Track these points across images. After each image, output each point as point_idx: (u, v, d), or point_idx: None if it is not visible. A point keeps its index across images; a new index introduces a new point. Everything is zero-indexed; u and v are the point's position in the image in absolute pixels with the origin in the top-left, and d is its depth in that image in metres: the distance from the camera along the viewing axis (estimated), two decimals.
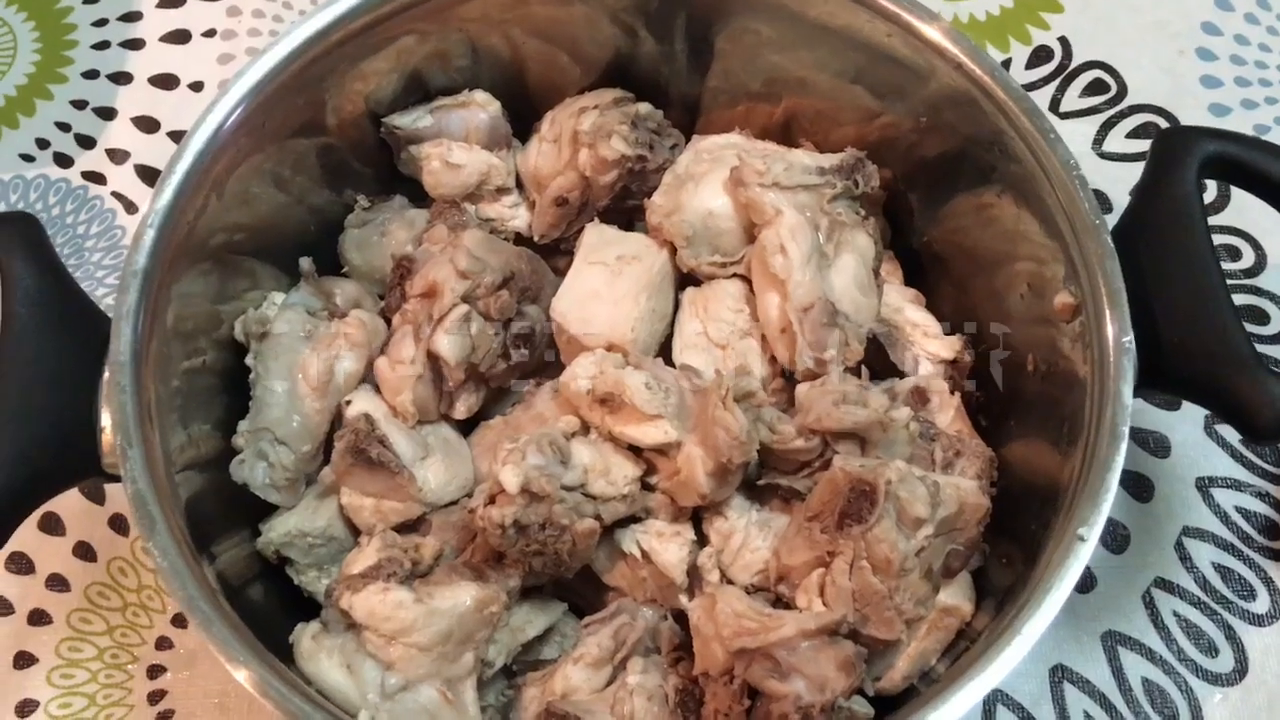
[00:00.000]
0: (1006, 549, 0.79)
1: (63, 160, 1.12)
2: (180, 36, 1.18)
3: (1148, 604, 0.93)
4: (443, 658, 0.73)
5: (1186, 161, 0.77)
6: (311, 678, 0.72)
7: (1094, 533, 0.67)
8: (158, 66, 1.17)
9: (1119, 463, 0.68)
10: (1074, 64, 1.16)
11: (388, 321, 0.86)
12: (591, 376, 0.79)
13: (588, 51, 0.94)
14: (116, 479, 0.74)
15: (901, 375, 0.87)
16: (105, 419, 0.72)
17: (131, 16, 1.19)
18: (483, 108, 0.91)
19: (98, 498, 0.96)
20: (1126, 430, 0.69)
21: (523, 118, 0.95)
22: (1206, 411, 0.98)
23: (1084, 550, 0.66)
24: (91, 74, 1.16)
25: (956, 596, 0.78)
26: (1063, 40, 1.18)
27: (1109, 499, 0.68)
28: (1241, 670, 0.90)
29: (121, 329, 0.72)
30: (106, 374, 0.73)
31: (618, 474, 0.77)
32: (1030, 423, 0.81)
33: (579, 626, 0.81)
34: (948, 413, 0.86)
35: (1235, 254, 1.06)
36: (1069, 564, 0.66)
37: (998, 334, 0.84)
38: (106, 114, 1.14)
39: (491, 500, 0.74)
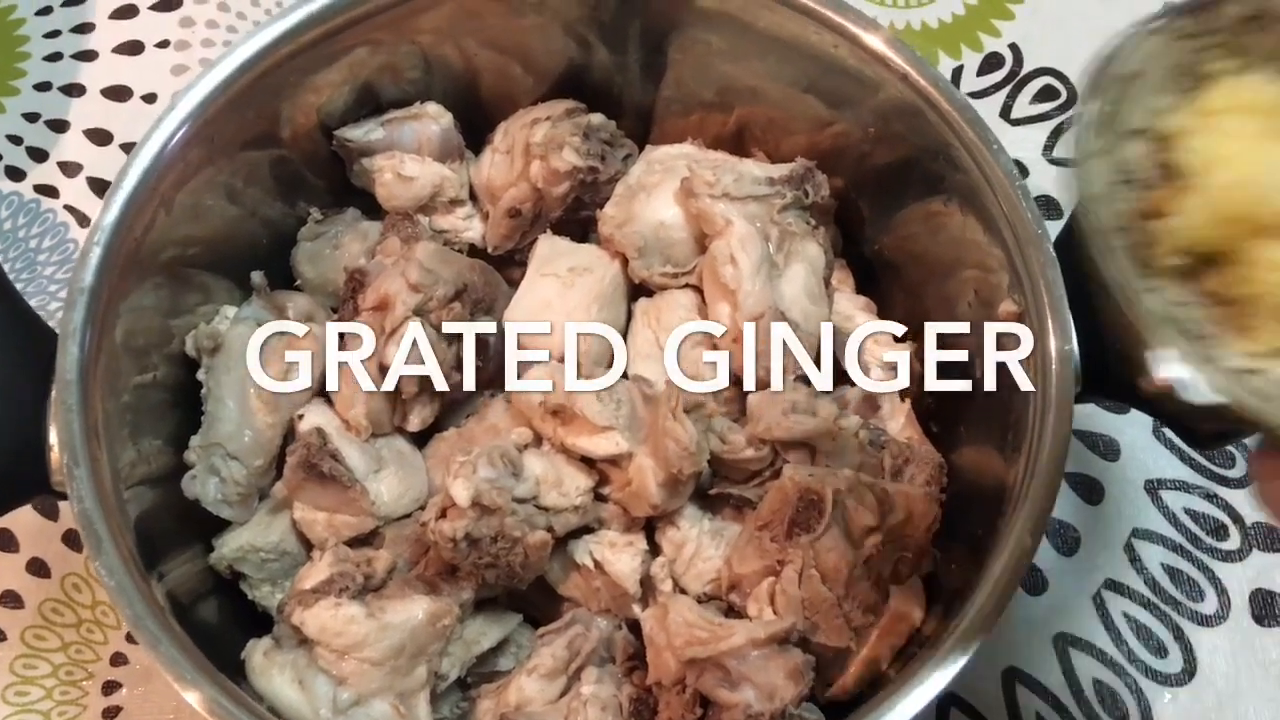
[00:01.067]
0: (956, 554, 0.80)
1: (14, 174, 1.11)
2: (133, 48, 1.18)
3: (1098, 605, 0.94)
4: (395, 672, 0.73)
5: None
6: (263, 694, 0.72)
7: (1037, 537, 0.68)
8: (111, 78, 1.16)
9: (1061, 466, 0.69)
10: (1024, 70, 1.18)
11: None
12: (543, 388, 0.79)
13: (541, 62, 0.94)
14: (65, 496, 0.74)
15: (852, 383, 0.88)
16: (53, 436, 0.72)
17: (84, 28, 1.18)
18: (435, 119, 0.91)
19: (51, 514, 0.96)
20: (1069, 435, 0.70)
21: (476, 129, 0.95)
22: None
23: (1029, 554, 0.67)
24: (44, 86, 1.16)
25: (907, 603, 0.79)
26: (1013, 47, 1.19)
27: (1052, 502, 0.69)
28: (1190, 671, 0.92)
29: (68, 347, 0.71)
30: (54, 392, 0.73)
31: (570, 485, 0.77)
32: (978, 429, 0.82)
33: (534, 637, 0.81)
34: (898, 419, 0.87)
35: None
36: (1013, 567, 0.67)
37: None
38: (59, 126, 1.14)
39: (443, 514, 0.74)
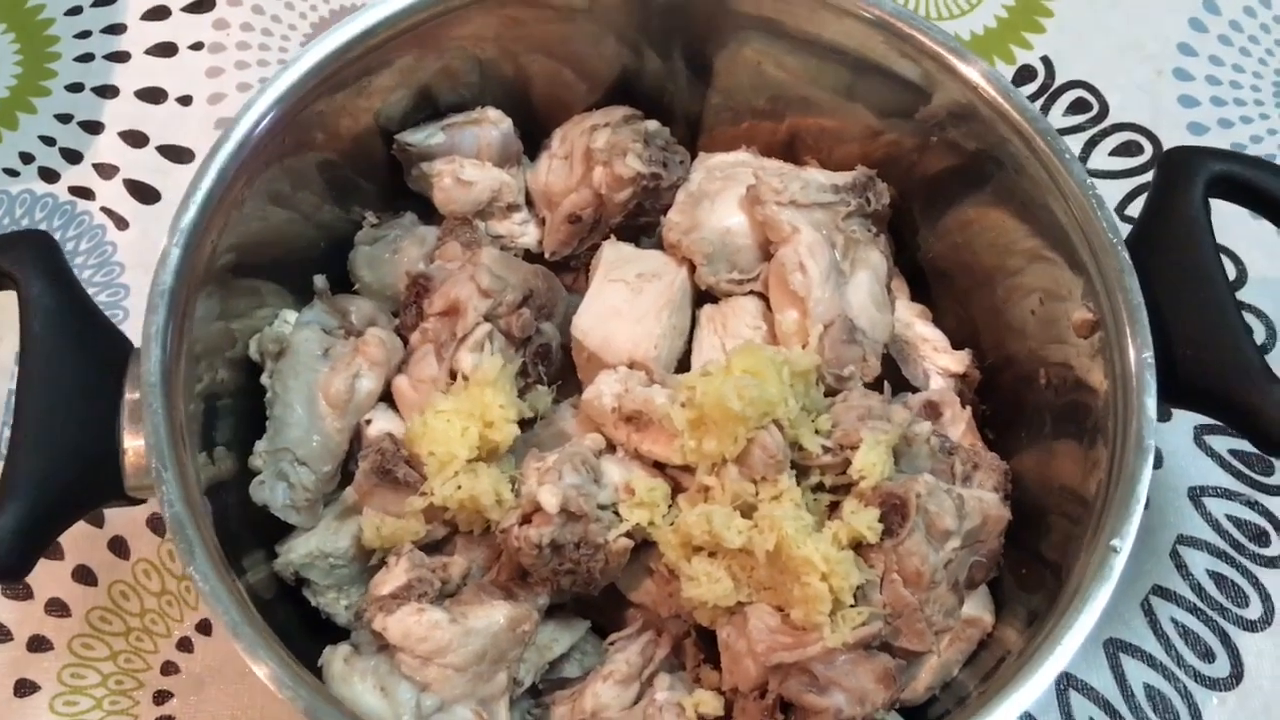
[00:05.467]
0: (1023, 559, 0.81)
1: (49, 175, 1.09)
2: (166, 50, 1.16)
3: (1146, 611, 0.95)
4: (477, 677, 0.73)
5: (1194, 181, 0.79)
6: (345, 701, 0.72)
7: (1126, 544, 0.68)
8: (144, 80, 1.14)
9: (1147, 474, 0.70)
10: (1057, 83, 1.19)
11: (403, 339, 0.86)
12: (617, 394, 0.79)
13: (593, 68, 0.94)
14: (139, 502, 0.73)
15: (913, 390, 0.88)
16: (128, 441, 0.71)
17: (116, 29, 1.17)
18: (495, 124, 0.91)
19: (96, 520, 0.94)
20: (1153, 443, 0.71)
21: (529, 134, 0.95)
22: (1196, 422, 1.01)
23: (1118, 561, 0.68)
24: (75, 87, 1.14)
25: (978, 608, 0.80)
26: (1045, 60, 1.20)
27: (1139, 510, 0.69)
28: (1238, 675, 0.93)
29: (151, 350, 0.70)
30: (129, 395, 0.72)
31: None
32: (1044, 435, 0.83)
33: (602, 644, 0.81)
34: (959, 426, 0.88)
35: None
36: (1104, 575, 0.68)
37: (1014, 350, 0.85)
38: (93, 128, 1.12)
39: (526, 520, 0.73)
